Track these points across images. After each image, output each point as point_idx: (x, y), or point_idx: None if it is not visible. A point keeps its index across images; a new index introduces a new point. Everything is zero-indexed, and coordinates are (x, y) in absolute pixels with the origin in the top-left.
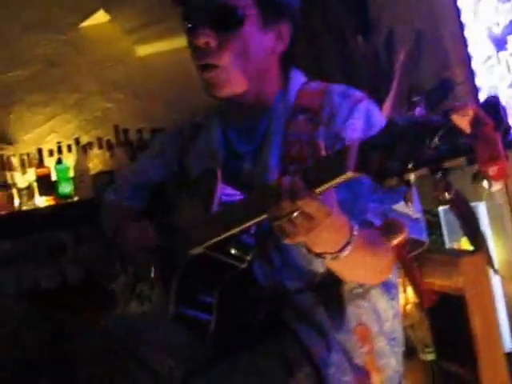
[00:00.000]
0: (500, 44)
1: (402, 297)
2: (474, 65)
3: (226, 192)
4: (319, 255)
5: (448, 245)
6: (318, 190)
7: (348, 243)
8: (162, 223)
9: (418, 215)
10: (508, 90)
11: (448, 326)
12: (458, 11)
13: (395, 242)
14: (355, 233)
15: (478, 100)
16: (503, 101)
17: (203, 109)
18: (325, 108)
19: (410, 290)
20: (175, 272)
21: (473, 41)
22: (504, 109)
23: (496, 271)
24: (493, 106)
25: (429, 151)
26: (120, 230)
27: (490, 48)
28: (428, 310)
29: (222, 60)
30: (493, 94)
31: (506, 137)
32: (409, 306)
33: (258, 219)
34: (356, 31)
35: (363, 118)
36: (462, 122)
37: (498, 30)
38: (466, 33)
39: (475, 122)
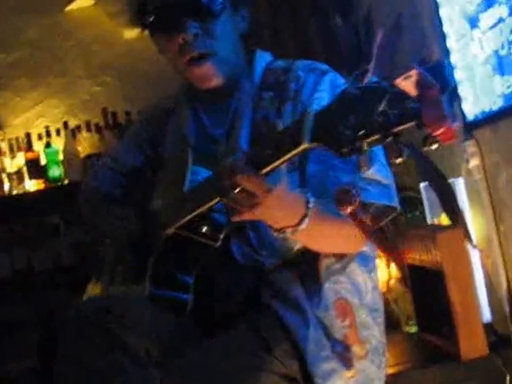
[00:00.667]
0: (473, 22)
1: (385, 272)
2: (450, 43)
3: (199, 173)
4: (279, 231)
5: (429, 220)
6: (272, 166)
7: (305, 216)
8: (140, 208)
9: (388, 181)
10: (481, 67)
11: (429, 299)
12: None
13: (348, 210)
14: (310, 205)
15: (453, 79)
16: (477, 79)
17: (172, 95)
18: (290, 84)
19: (392, 265)
20: (151, 253)
21: (447, 19)
22: (450, 71)
23: (474, 245)
24: (438, 68)
25: (378, 118)
26: (95, 213)
27: (464, 26)
28: (410, 284)
29: (215, 46)
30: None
31: (452, 99)
32: (392, 281)
33: (214, 200)
34: (336, 10)
35: (329, 89)
36: (407, 85)
37: (471, 8)
38: (441, 11)
39: (420, 85)
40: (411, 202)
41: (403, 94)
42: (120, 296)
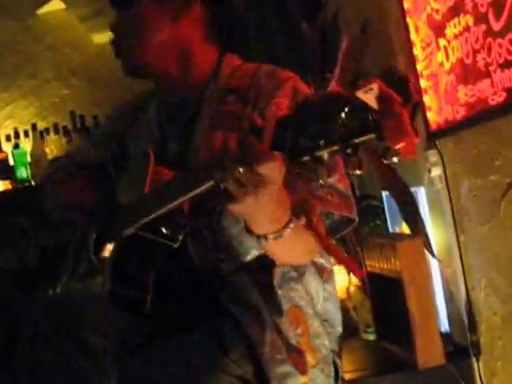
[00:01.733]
0: (439, 30)
1: (345, 279)
2: (415, 51)
3: (161, 172)
4: (261, 237)
5: (391, 229)
6: None
7: (290, 220)
8: (102, 204)
9: (348, 192)
10: (446, 76)
11: (388, 307)
12: None
13: (302, 222)
14: None
15: (419, 87)
16: (441, 88)
17: (143, 93)
18: (252, 87)
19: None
20: (111, 251)
21: (414, 27)
22: (414, 86)
23: (434, 255)
24: (401, 82)
25: (338, 128)
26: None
27: (430, 35)
28: (370, 292)
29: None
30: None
31: (414, 113)
32: (352, 288)
33: (197, 190)
34: (302, 14)
35: (289, 96)
36: (369, 97)
37: (437, 17)
38: (408, 19)
39: (381, 98)
40: (374, 211)
41: (364, 106)
42: (78, 294)
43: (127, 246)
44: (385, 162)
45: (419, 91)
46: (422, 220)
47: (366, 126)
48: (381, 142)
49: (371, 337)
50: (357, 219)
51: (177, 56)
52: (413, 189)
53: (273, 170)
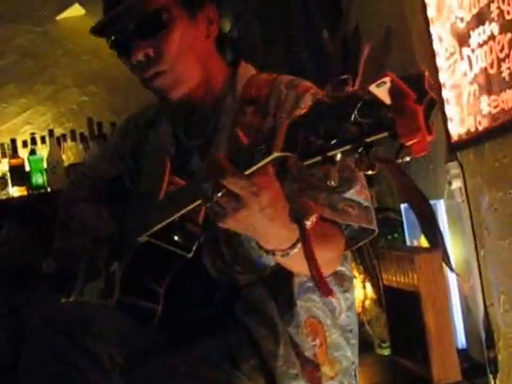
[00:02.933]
0: (463, 40)
1: (361, 292)
2: (439, 61)
3: (176, 183)
4: (269, 252)
5: (408, 242)
6: (247, 172)
7: (298, 241)
8: (116, 216)
9: (368, 203)
10: (469, 86)
11: (403, 322)
12: (424, 6)
13: (307, 223)
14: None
15: (441, 97)
16: (464, 98)
17: (153, 105)
18: (272, 98)
19: (368, 286)
20: (122, 260)
21: (437, 37)
22: (430, 83)
23: (452, 269)
24: (417, 78)
25: (351, 127)
26: (71, 211)
27: (454, 44)
28: (385, 306)
29: (165, 65)
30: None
31: (429, 110)
32: (367, 302)
33: (193, 205)
34: (325, 24)
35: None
36: (382, 92)
37: (461, 26)
38: (431, 28)
39: (395, 94)
40: (391, 224)
41: (377, 102)
42: (87, 302)
43: (140, 255)
44: (397, 161)
45: (438, 88)
46: (440, 233)
47: (379, 123)
48: (394, 140)
49: (386, 352)
50: (377, 230)
51: (202, 75)
52: (432, 201)
53: (245, 189)
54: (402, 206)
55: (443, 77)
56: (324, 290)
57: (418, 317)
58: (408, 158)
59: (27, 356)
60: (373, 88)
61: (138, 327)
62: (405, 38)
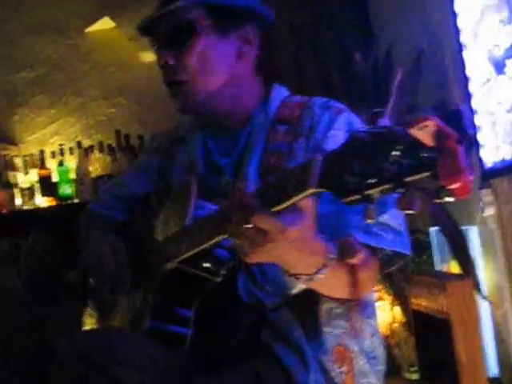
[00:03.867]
0: (499, 67)
1: (389, 315)
2: (472, 87)
3: (203, 206)
4: (294, 276)
5: (438, 266)
6: (278, 207)
7: (324, 266)
8: (142, 237)
9: (402, 228)
10: (507, 114)
11: (433, 347)
12: (457, 32)
13: (351, 261)
14: (331, 256)
15: (473, 124)
16: (499, 126)
17: (185, 123)
18: (305, 119)
19: (397, 309)
20: (150, 286)
21: (472, 62)
22: (469, 121)
23: (484, 296)
24: (456, 117)
25: (390, 166)
26: (88, 241)
27: (490, 71)
28: (414, 330)
29: (184, 75)
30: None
31: (469, 149)
32: (395, 325)
33: (221, 236)
34: (357, 47)
35: (344, 129)
36: (423, 134)
37: (498, 53)
38: (465, 54)
39: (436, 135)
40: (419, 246)
41: (418, 144)
42: (115, 329)
43: (168, 280)
44: (437, 201)
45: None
46: (472, 260)
47: (419, 164)
48: (434, 180)
49: (414, 376)
50: (410, 255)
51: (230, 93)
52: (464, 227)
53: (272, 226)
54: (431, 229)
55: (475, 103)
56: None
57: (448, 343)
58: (449, 199)
59: None
60: (414, 131)
61: (166, 353)
62: (437, 61)
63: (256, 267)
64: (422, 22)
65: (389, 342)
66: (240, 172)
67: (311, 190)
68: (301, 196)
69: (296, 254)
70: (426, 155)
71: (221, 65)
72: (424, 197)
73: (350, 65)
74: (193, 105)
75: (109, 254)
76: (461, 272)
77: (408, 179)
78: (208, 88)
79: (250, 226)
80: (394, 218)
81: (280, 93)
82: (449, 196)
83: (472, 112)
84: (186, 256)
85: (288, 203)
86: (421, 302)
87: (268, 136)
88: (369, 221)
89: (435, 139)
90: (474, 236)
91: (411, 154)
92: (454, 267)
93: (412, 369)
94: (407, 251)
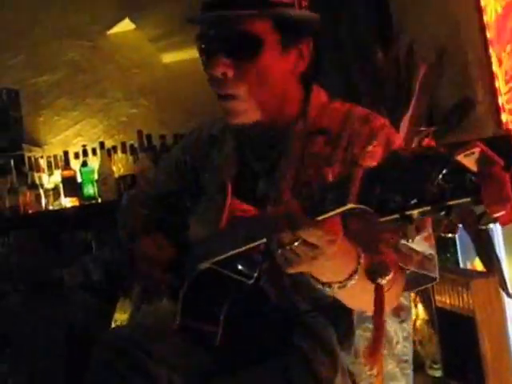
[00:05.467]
0: None
1: (412, 312)
2: (498, 84)
3: (239, 207)
4: (325, 284)
5: (462, 263)
6: (319, 218)
7: (355, 272)
8: (176, 236)
9: (432, 251)
10: None
11: (458, 344)
12: (483, 27)
13: (383, 282)
14: (362, 260)
15: (499, 121)
16: None
17: (219, 120)
18: (345, 131)
19: (420, 306)
20: (183, 284)
21: (497, 59)
22: None
23: (509, 294)
24: (504, 142)
25: (432, 188)
26: (135, 236)
27: None
28: (438, 327)
29: (240, 90)
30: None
31: None
32: (419, 322)
33: (259, 241)
34: (378, 45)
35: (382, 145)
36: (469, 161)
37: None
38: (491, 50)
39: (482, 161)
40: (444, 243)
41: (463, 169)
42: (148, 325)
43: (201, 279)
44: (480, 227)
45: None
46: (497, 257)
47: (462, 188)
48: (477, 206)
49: (437, 373)
50: (437, 278)
51: (275, 104)
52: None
53: (322, 238)
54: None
55: (502, 100)
56: (373, 355)
57: (472, 341)
58: (491, 225)
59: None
60: (460, 157)
61: (196, 350)
62: (460, 57)
63: (286, 277)
64: (444, 18)
65: (412, 339)
66: (274, 180)
67: (351, 206)
68: (339, 211)
69: (331, 263)
70: (470, 180)
71: (279, 83)
72: (466, 222)
73: (370, 62)
74: (244, 120)
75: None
76: (485, 269)
77: (450, 203)
78: (264, 106)
79: (299, 240)
80: (425, 239)
81: (320, 97)
82: (492, 223)
83: (499, 110)
84: (221, 258)
85: (327, 216)
86: (445, 300)
87: (306, 145)
88: (409, 241)
89: (481, 165)
90: (497, 233)
91: (455, 178)
92: (479, 265)
93: (435, 366)
94: (434, 275)
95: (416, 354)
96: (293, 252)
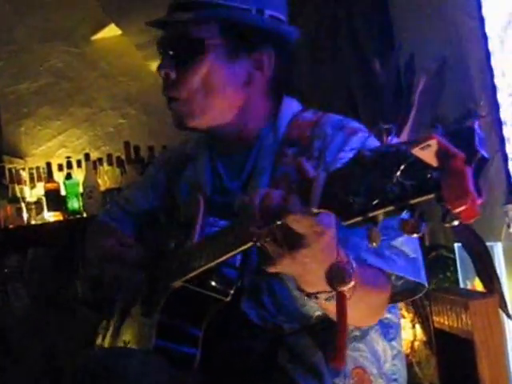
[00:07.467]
0: None
1: (410, 333)
2: (500, 97)
3: (212, 222)
4: (312, 295)
5: (462, 283)
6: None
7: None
8: (149, 254)
9: (416, 255)
10: None
11: (456, 366)
12: (485, 38)
13: (341, 289)
14: (354, 266)
15: (501, 135)
16: None
17: (193, 139)
18: (316, 140)
19: (418, 326)
20: (157, 304)
21: (500, 71)
22: (480, 138)
23: (509, 315)
24: (465, 134)
25: (393, 187)
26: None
27: None
28: (436, 349)
29: (180, 93)
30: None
31: (479, 170)
32: (417, 343)
33: (237, 250)
34: (378, 53)
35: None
36: (427, 154)
37: None
38: (493, 62)
39: (441, 155)
40: (443, 262)
41: (422, 164)
42: (122, 350)
43: (175, 299)
44: (444, 225)
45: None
46: (497, 277)
47: (423, 185)
48: (440, 203)
49: None
50: (426, 285)
51: (235, 116)
52: (489, 243)
53: (310, 228)
54: (456, 245)
55: (504, 113)
56: (337, 361)
57: (471, 364)
58: (456, 223)
59: None
60: (417, 151)
61: (175, 373)
62: (462, 69)
63: (267, 297)
64: (445, 29)
65: (409, 360)
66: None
67: (314, 211)
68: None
69: (321, 265)
70: (430, 176)
71: (225, 89)
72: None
73: (369, 73)
74: (187, 123)
75: (122, 260)
76: (485, 289)
77: (412, 201)
78: (206, 111)
79: (279, 228)
80: (407, 243)
81: (290, 108)
82: (455, 219)
83: (500, 123)
84: (192, 275)
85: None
86: (443, 321)
87: (276, 159)
88: (373, 244)
89: (439, 159)
90: (498, 252)
91: (415, 175)
92: (479, 285)
93: None
94: (419, 279)
95: (414, 376)
96: (272, 242)
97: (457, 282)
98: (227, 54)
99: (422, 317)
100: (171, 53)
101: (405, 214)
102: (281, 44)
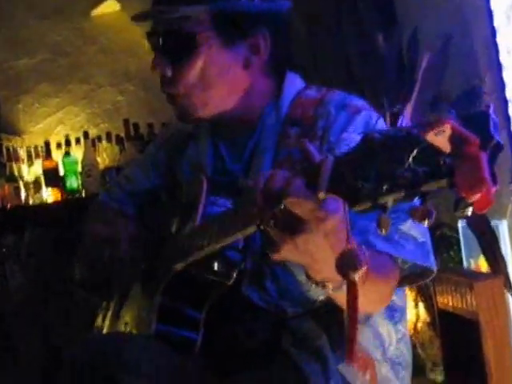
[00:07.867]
0: None
1: (413, 313)
2: (506, 75)
3: (213, 201)
4: (320, 284)
5: (465, 261)
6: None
7: None
8: (151, 235)
9: (424, 238)
10: None
11: (460, 347)
12: (490, 15)
13: (353, 277)
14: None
15: (507, 114)
16: None
17: None
18: (320, 120)
19: (421, 306)
20: (158, 287)
21: (505, 48)
22: (495, 124)
23: None
24: (480, 119)
25: (405, 173)
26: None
27: None
28: (440, 330)
29: (178, 90)
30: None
31: (494, 156)
32: (420, 324)
33: (241, 233)
34: (380, 28)
35: (360, 131)
36: (441, 139)
37: None
38: (499, 39)
39: (455, 140)
40: (447, 241)
41: (435, 149)
42: (120, 334)
43: (177, 281)
44: (456, 214)
45: (504, 103)
46: (502, 257)
47: (435, 171)
48: (452, 190)
49: (439, 377)
50: (435, 270)
51: (236, 100)
52: (494, 222)
53: (312, 213)
54: (460, 223)
55: (510, 92)
56: (349, 354)
57: (476, 345)
58: (469, 212)
59: None
60: (430, 136)
61: (176, 358)
62: (467, 45)
63: (270, 282)
64: (449, 5)
65: (413, 341)
66: (250, 178)
67: (321, 195)
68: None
69: (328, 252)
70: (443, 162)
71: (223, 78)
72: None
73: (371, 49)
74: (190, 117)
75: (123, 239)
76: (490, 269)
77: (424, 188)
78: (207, 102)
79: (283, 212)
80: (415, 226)
81: (294, 85)
82: (468, 207)
83: (506, 102)
84: (195, 257)
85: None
86: (447, 301)
87: (279, 140)
88: (382, 231)
89: (453, 145)
90: (504, 231)
91: (427, 161)
92: (484, 264)
93: (436, 369)
94: (428, 264)
95: (417, 357)
96: (275, 229)
97: (460, 261)
98: (221, 43)
99: (425, 296)
100: (164, 48)
101: (415, 201)
102: (275, 22)
